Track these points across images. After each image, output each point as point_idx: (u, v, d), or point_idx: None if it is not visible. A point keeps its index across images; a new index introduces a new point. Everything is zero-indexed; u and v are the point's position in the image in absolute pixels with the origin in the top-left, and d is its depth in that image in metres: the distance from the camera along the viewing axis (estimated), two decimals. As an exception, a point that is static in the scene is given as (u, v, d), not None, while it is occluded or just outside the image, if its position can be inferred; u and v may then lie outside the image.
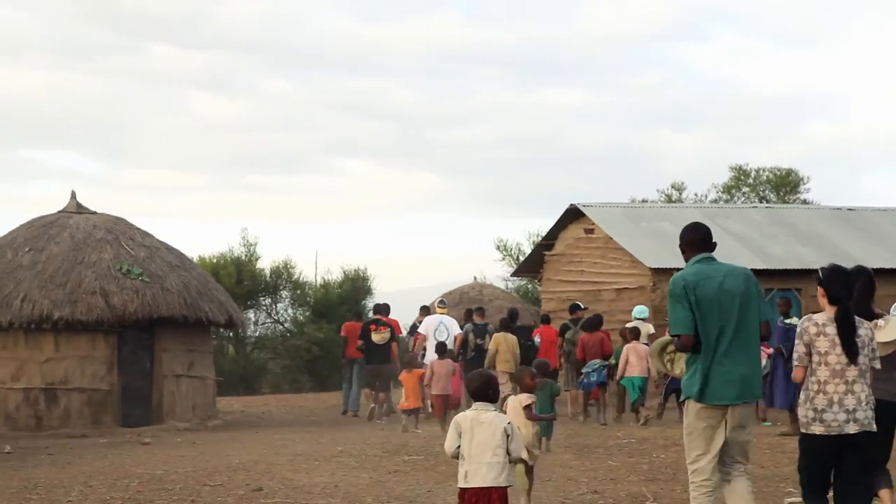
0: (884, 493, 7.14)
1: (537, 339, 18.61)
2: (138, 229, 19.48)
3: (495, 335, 17.54)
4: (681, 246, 6.93)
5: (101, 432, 16.63)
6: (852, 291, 6.79)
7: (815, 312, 6.85)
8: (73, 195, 19.58)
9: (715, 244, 6.89)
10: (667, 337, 7.09)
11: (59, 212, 19.11)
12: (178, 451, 13.80)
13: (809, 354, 6.54)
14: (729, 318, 6.53)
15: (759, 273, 21.67)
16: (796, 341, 6.57)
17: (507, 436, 6.21)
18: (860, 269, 7.55)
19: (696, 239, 6.85)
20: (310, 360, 31.49)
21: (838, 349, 6.45)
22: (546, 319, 20.06)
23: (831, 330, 6.47)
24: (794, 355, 6.60)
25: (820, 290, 6.72)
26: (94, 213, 19.37)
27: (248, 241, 34.74)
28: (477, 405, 6.31)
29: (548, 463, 11.45)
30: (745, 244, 23.10)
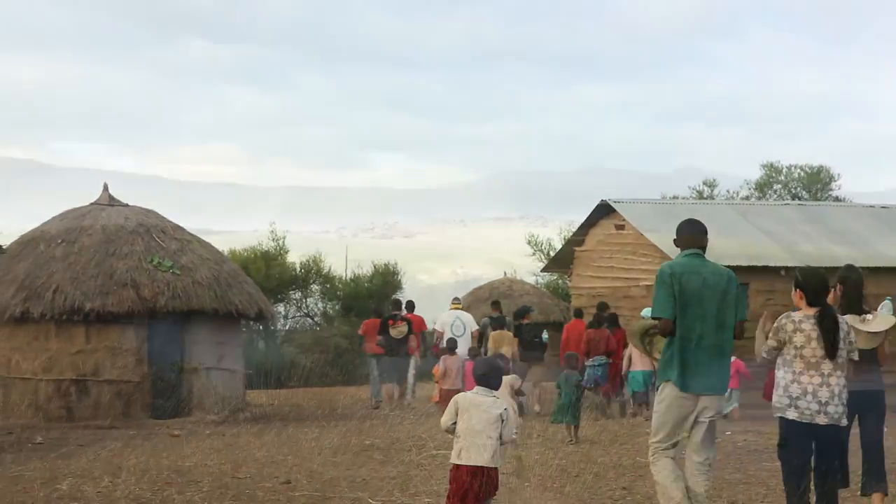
0: (875, 498, 7.74)
1: (545, 336, 19.17)
2: (169, 222, 19.58)
3: (492, 334, 18.29)
4: (675, 240, 7.47)
5: (131, 424, 16.71)
6: (828, 292, 7.15)
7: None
8: (105, 187, 19.71)
9: (707, 242, 7.40)
10: (649, 321, 7.61)
11: (91, 204, 19.24)
12: (207, 443, 13.82)
13: (779, 349, 6.96)
14: (708, 313, 7.06)
15: (791, 271, 21.68)
16: (770, 335, 7.05)
17: (502, 421, 6.64)
18: (850, 268, 8.13)
19: (692, 236, 7.37)
20: (339, 353, 31.56)
21: (814, 343, 6.82)
22: (579, 314, 20.14)
23: (807, 326, 6.85)
24: (764, 348, 7.03)
25: (798, 293, 7.06)
26: (126, 205, 19.50)
27: (276, 235, 34.96)
28: (478, 389, 6.76)
29: (577, 459, 11.43)
30: (777, 241, 22.89)
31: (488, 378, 6.86)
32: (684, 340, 7.04)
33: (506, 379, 9.94)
